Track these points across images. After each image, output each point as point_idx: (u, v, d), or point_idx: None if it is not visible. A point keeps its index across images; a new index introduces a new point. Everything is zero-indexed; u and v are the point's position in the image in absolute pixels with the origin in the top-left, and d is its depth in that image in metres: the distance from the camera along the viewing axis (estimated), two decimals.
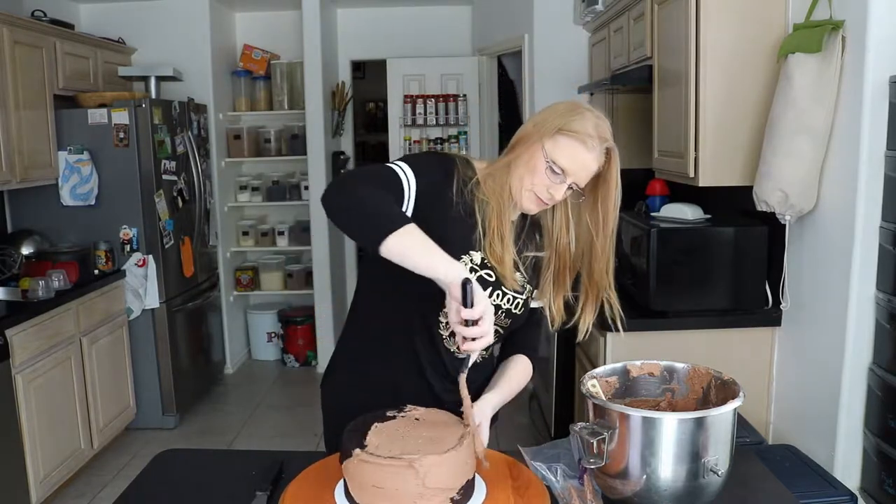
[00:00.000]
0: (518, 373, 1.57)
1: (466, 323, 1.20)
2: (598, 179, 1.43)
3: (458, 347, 1.51)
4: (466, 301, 1.19)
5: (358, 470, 1.17)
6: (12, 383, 2.93)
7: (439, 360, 1.52)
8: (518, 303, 1.51)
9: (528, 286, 1.53)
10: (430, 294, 1.45)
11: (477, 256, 1.46)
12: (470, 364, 1.29)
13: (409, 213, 1.39)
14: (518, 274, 1.49)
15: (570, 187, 1.41)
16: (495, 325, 1.50)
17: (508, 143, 1.48)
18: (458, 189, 1.43)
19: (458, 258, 1.42)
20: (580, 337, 1.52)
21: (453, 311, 1.21)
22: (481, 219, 1.43)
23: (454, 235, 1.42)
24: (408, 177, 1.39)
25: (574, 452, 1.33)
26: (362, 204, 1.26)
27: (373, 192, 1.28)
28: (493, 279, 1.47)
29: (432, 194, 1.41)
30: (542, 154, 1.39)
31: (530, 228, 1.54)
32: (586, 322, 1.51)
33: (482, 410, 1.42)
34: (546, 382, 3.54)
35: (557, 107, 1.44)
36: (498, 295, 1.48)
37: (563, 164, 1.38)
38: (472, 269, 1.45)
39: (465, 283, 1.19)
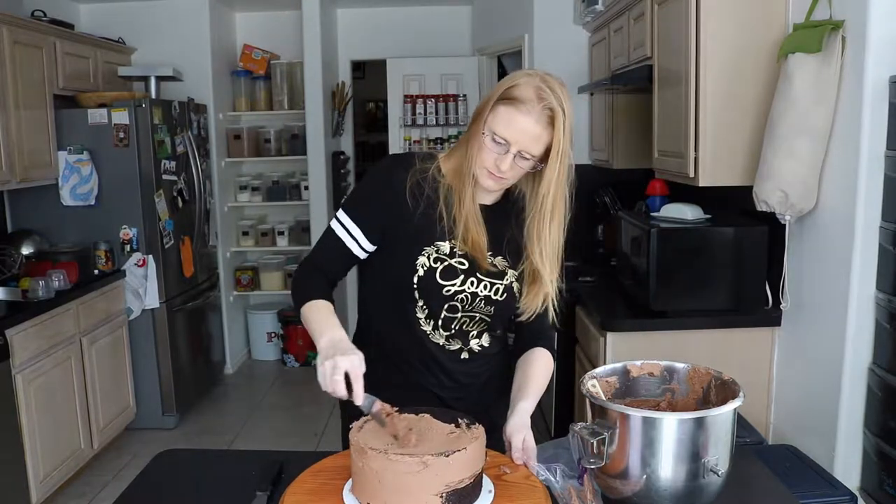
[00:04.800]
0: (540, 369, 1.53)
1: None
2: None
3: (447, 339, 1.53)
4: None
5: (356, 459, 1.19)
6: (12, 383, 2.93)
7: (430, 356, 1.52)
8: (497, 288, 1.49)
9: (512, 271, 1.51)
10: (403, 290, 1.47)
11: (445, 246, 1.45)
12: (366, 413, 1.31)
13: (371, 246, 1.49)
14: (499, 258, 1.49)
15: (523, 157, 1.37)
16: (479, 313, 1.51)
17: None
18: (414, 186, 1.43)
19: (421, 252, 1.44)
20: (523, 318, 1.51)
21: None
22: (447, 206, 1.43)
23: (417, 234, 1.45)
24: (347, 227, 1.48)
25: (574, 452, 1.33)
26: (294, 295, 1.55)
27: (295, 287, 1.55)
28: (465, 267, 1.46)
29: (384, 212, 1.45)
30: (483, 125, 1.37)
31: (515, 212, 1.51)
32: (532, 308, 1.48)
33: (521, 422, 1.40)
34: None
35: (506, 78, 1.41)
36: (472, 282, 1.47)
37: (500, 132, 1.35)
38: (438, 260, 1.45)
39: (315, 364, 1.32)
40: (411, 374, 1.54)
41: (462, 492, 1.17)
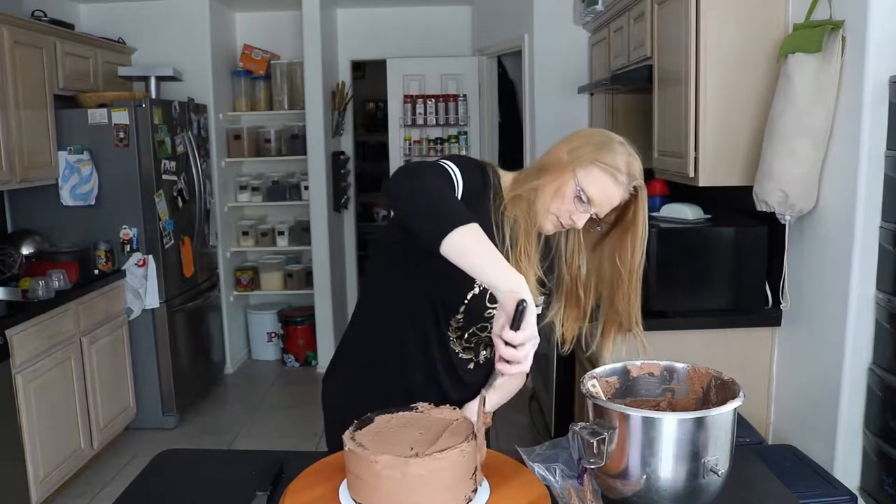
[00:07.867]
0: (510, 383, 1.57)
1: (507, 343, 1.13)
2: (627, 217, 1.46)
3: (463, 349, 1.55)
4: (514, 322, 1.12)
5: (349, 460, 1.19)
6: (12, 383, 2.93)
7: (449, 362, 1.55)
8: None
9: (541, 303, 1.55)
10: (449, 304, 1.47)
11: None
12: (495, 384, 1.27)
13: None
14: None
15: (590, 216, 1.43)
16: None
17: (536, 164, 1.47)
18: (491, 202, 1.44)
19: None
20: (603, 362, 1.53)
21: (499, 323, 1.15)
22: (509, 236, 1.44)
23: None
24: (457, 178, 1.38)
25: (574, 452, 1.33)
26: (432, 194, 1.23)
27: (442, 186, 1.28)
28: None
29: (472, 201, 1.41)
30: (574, 182, 1.40)
31: (546, 250, 1.55)
32: (609, 349, 1.54)
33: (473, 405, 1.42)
34: (546, 382, 3.54)
35: (592, 136, 1.45)
36: None
37: (591, 193, 1.40)
38: None
39: (520, 304, 1.11)
40: (431, 379, 1.56)
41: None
